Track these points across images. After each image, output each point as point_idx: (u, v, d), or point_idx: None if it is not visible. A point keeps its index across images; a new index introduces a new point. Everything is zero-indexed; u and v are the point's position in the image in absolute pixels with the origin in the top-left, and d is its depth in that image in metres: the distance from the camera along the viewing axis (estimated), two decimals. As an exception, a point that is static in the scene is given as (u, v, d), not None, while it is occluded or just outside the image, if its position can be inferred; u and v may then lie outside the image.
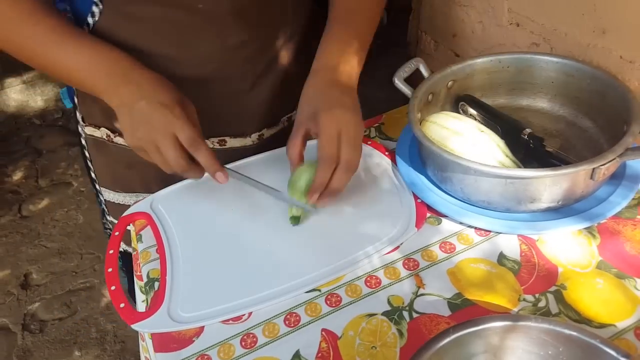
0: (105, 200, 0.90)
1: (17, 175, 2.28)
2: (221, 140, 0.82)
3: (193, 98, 0.69)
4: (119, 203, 0.88)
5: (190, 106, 0.66)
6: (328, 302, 0.59)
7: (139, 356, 1.53)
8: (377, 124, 0.87)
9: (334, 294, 0.60)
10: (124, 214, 0.73)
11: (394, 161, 0.76)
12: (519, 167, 0.66)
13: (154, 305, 0.61)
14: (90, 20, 0.70)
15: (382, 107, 0.90)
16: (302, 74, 0.81)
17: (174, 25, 0.70)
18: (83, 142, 0.87)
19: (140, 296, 0.69)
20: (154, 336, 0.59)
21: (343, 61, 0.69)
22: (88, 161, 0.89)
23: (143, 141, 0.63)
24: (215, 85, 0.75)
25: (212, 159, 0.64)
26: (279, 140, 0.83)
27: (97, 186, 0.90)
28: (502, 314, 0.54)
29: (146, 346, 0.78)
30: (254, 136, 0.83)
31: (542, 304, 0.56)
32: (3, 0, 0.64)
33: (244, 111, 0.80)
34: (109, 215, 0.93)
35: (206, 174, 0.66)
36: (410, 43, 1.16)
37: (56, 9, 0.68)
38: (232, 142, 0.82)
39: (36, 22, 0.65)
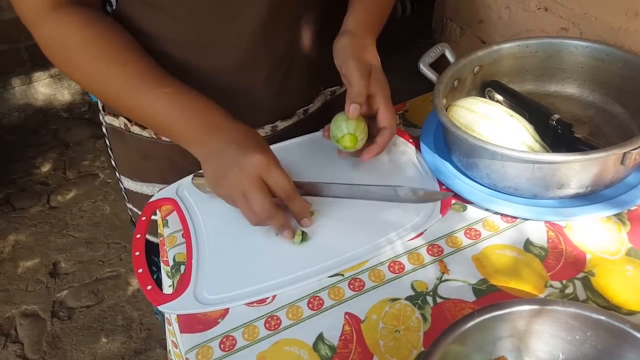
0: (125, 188, 0.92)
1: (46, 167, 2.34)
2: None
3: (208, 88, 0.69)
4: (137, 192, 0.89)
5: (275, 156, 0.64)
6: (351, 286, 0.59)
7: (165, 343, 1.56)
8: (401, 112, 0.86)
9: (357, 278, 0.60)
10: (151, 199, 0.74)
11: (418, 148, 0.75)
12: (548, 152, 0.65)
13: (180, 288, 0.62)
14: (108, 8, 0.70)
15: (406, 99, 0.89)
16: (316, 66, 0.81)
17: (189, 12, 0.69)
18: (104, 130, 0.89)
19: (167, 281, 0.70)
20: (179, 317, 0.60)
21: (366, 29, 0.72)
22: (109, 149, 0.91)
23: (230, 187, 0.61)
24: (230, 75, 0.75)
25: (305, 206, 0.64)
26: (294, 132, 0.82)
27: (117, 174, 0.92)
28: (528, 298, 0.53)
29: (173, 330, 0.80)
30: (267, 127, 0.82)
31: (569, 290, 0.55)
32: (90, 35, 0.63)
33: (257, 102, 0.79)
34: (129, 202, 0.94)
35: None
36: (435, 31, 1.15)
37: (140, 47, 0.66)
38: None
39: (125, 61, 0.63)
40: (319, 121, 0.69)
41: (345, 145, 0.68)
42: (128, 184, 0.90)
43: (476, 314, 0.45)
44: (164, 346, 1.59)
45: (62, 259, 1.90)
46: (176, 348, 0.82)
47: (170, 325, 0.81)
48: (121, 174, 0.91)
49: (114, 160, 0.91)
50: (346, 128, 0.67)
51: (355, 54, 0.68)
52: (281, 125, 0.83)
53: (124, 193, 0.94)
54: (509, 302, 0.45)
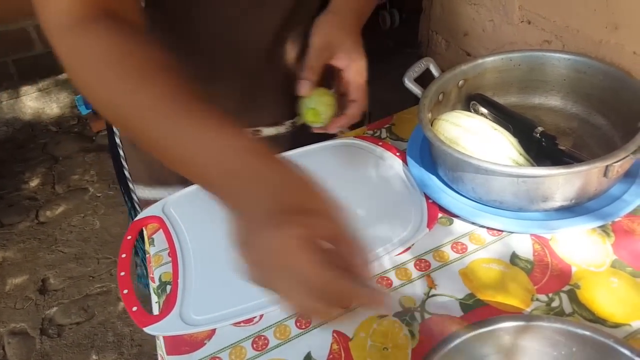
0: (139, 198, 0.88)
1: (34, 182, 2.32)
2: (255, 131, 0.82)
3: (233, 89, 0.69)
4: (155, 198, 0.83)
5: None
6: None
7: (156, 358, 1.54)
8: (387, 125, 0.86)
9: (345, 295, 0.59)
10: (136, 218, 0.74)
11: (405, 162, 0.76)
12: (533, 165, 0.66)
13: (165, 309, 0.61)
14: None
15: (394, 109, 0.89)
16: None
17: (218, 15, 0.68)
18: (117, 140, 0.86)
19: (154, 298, 0.69)
20: (166, 339, 0.59)
21: (348, 10, 0.73)
22: (123, 160, 0.87)
23: (264, 256, 0.42)
24: (258, 73, 0.76)
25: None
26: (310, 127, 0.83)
27: (131, 185, 0.88)
28: (514, 314, 0.53)
29: (161, 345, 0.79)
30: (288, 123, 0.84)
31: (555, 303, 0.55)
32: (122, 49, 0.51)
33: (280, 98, 0.80)
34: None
35: None
36: (421, 43, 1.16)
37: (180, 70, 0.51)
38: (267, 131, 0.83)
39: (161, 82, 0.49)
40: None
41: (309, 120, 0.72)
42: (143, 193, 0.86)
43: (463, 331, 0.45)
44: (155, 362, 1.57)
45: (51, 275, 1.88)
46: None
47: (159, 341, 0.81)
48: (136, 183, 0.86)
49: (128, 172, 0.86)
50: (309, 103, 0.71)
51: (321, 32, 0.70)
52: (300, 120, 0.83)
53: (136, 204, 0.88)
54: (495, 319, 0.45)
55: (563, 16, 0.83)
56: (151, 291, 0.72)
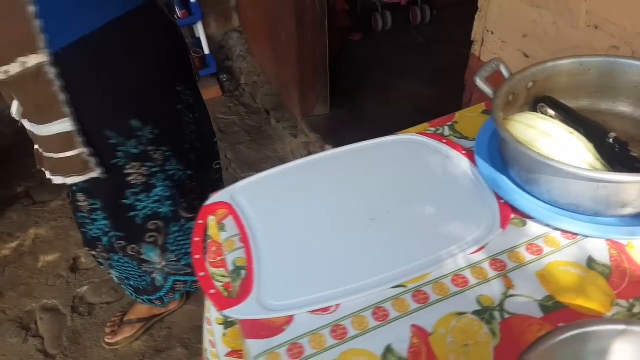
0: None
1: (66, 162, 2.34)
2: None
3: None
4: None
5: None
6: (415, 298, 0.59)
7: (185, 342, 1.55)
8: (450, 123, 0.86)
9: (421, 291, 0.60)
10: (206, 203, 0.75)
11: (472, 161, 0.76)
12: (610, 170, 0.66)
13: (242, 293, 0.62)
14: None
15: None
16: None
17: None
18: None
19: (216, 283, 0.71)
20: (243, 323, 0.60)
21: None
22: None
23: None
24: None
25: None
26: None
27: None
28: (615, 319, 0.54)
29: (212, 330, 0.80)
30: None
31: (637, 309, 0.55)
32: None
33: None
34: None
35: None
36: (475, 42, 1.16)
37: None
38: None
39: None
40: None
41: None
42: None
43: (558, 332, 0.45)
44: (184, 345, 1.59)
45: (82, 254, 1.91)
46: (214, 348, 0.83)
47: (210, 326, 0.82)
48: None
49: None
50: None
51: None
52: None
53: None
54: (590, 321, 0.46)
55: (635, 22, 0.82)
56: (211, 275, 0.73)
